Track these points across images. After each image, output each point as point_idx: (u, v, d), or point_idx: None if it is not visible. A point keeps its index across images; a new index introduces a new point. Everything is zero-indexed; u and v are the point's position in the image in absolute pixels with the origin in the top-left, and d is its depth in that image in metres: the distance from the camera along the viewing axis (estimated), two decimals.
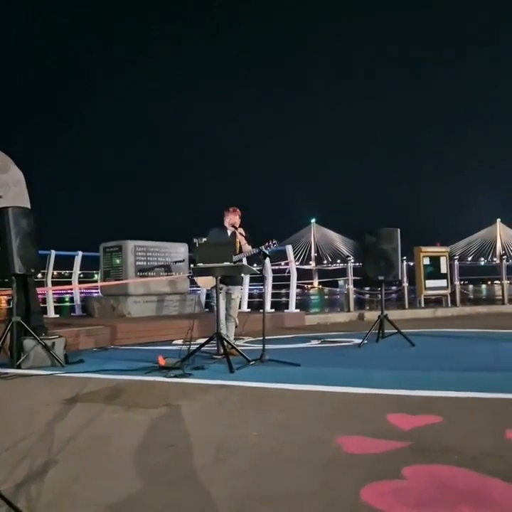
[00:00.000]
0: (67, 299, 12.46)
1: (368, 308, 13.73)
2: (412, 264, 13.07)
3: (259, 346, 5.67)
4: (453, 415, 3.19)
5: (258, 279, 10.21)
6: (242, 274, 6.56)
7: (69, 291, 11.96)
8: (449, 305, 13.19)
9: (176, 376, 4.70)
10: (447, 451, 2.53)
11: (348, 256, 13.49)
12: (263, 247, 5.84)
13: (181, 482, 2.26)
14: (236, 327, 6.36)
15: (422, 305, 13.05)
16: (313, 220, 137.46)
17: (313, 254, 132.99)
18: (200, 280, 6.36)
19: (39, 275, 8.80)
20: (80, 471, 2.42)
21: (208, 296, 10.63)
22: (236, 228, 6.18)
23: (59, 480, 2.31)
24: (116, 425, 3.23)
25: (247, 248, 6.07)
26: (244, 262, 6.04)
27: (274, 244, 5.81)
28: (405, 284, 12.76)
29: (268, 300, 10.23)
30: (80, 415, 3.44)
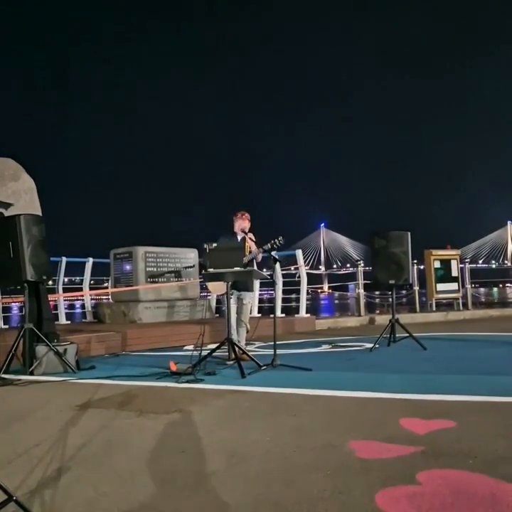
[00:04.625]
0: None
1: (378, 312, 13.66)
2: (422, 267, 13.00)
3: (271, 351, 5.67)
4: (466, 419, 3.16)
5: (268, 284, 10.21)
6: (253, 279, 6.55)
7: (80, 298, 12.04)
8: (461, 308, 13.09)
9: (187, 382, 4.71)
10: (462, 455, 2.50)
11: (358, 260, 13.42)
12: (269, 244, 5.84)
13: (193, 488, 2.26)
14: (247, 332, 6.36)
15: (434, 308, 12.96)
16: (322, 225, 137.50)
17: (322, 258, 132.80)
18: (211, 286, 6.37)
19: (50, 282, 8.87)
20: (93, 477, 2.42)
21: (219, 301, 10.65)
22: (246, 233, 6.18)
23: (72, 486, 2.31)
24: (129, 431, 3.23)
25: (255, 251, 6.07)
26: (255, 266, 6.04)
27: (279, 240, 5.81)
28: (416, 288, 12.67)
29: (278, 305, 10.21)
30: (92, 421, 3.45)
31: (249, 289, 6.27)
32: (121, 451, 2.81)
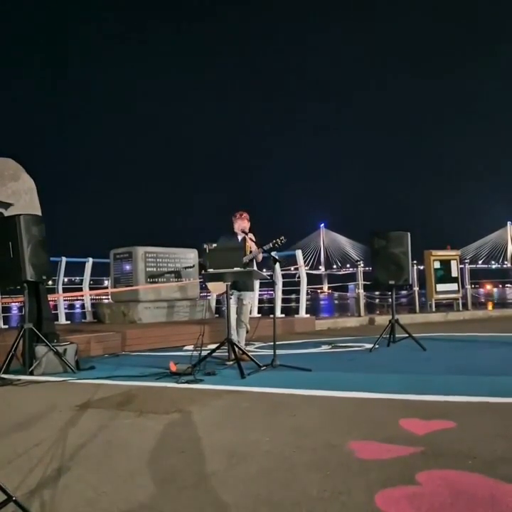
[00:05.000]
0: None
1: (378, 312, 13.67)
2: (422, 267, 13.00)
3: (270, 351, 5.67)
4: (466, 420, 3.16)
5: (268, 284, 10.22)
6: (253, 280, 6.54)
7: (80, 298, 12.03)
8: (460, 309, 13.10)
9: (187, 382, 4.71)
10: (461, 456, 2.51)
11: (357, 260, 13.42)
12: (271, 244, 5.83)
13: (193, 488, 2.26)
14: (247, 332, 6.35)
15: (433, 309, 12.97)
16: (322, 225, 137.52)
17: (322, 258, 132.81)
18: (211, 286, 6.36)
19: (50, 282, 8.87)
20: (93, 477, 2.42)
21: (219, 301, 10.65)
22: (246, 233, 6.18)
23: (72, 486, 2.31)
24: (128, 431, 3.24)
25: (255, 251, 6.07)
26: (255, 267, 6.04)
27: (281, 240, 5.80)
28: (416, 288, 12.69)
29: (278, 305, 10.21)
30: (92, 421, 3.45)
31: (249, 289, 6.26)
32: (121, 452, 2.81)
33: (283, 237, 5.81)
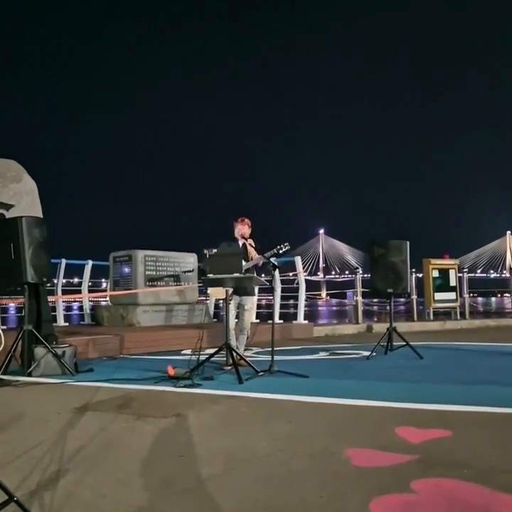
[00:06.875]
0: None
1: (376, 320, 13.68)
2: (420, 276, 13.03)
3: (268, 357, 5.69)
4: (462, 429, 3.19)
5: (266, 290, 10.24)
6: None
7: (78, 300, 12.04)
8: (458, 318, 13.12)
9: (185, 386, 4.73)
10: (457, 465, 2.53)
11: (356, 267, 13.45)
12: (275, 250, 5.82)
13: (190, 492, 2.28)
14: (247, 338, 6.35)
15: (431, 317, 12.99)
16: (321, 231, 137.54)
17: (321, 265, 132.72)
18: (212, 291, 6.36)
19: (49, 283, 8.88)
20: (91, 479, 2.44)
21: (217, 306, 10.67)
22: (246, 239, 6.19)
23: (71, 488, 2.33)
24: (126, 434, 3.25)
25: (256, 257, 6.08)
26: (254, 272, 6.05)
27: (285, 246, 5.80)
28: (414, 297, 12.71)
29: (277, 311, 10.23)
30: (90, 424, 3.47)
31: (250, 293, 6.25)
32: (120, 455, 2.83)
33: (287, 244, 5.81)
